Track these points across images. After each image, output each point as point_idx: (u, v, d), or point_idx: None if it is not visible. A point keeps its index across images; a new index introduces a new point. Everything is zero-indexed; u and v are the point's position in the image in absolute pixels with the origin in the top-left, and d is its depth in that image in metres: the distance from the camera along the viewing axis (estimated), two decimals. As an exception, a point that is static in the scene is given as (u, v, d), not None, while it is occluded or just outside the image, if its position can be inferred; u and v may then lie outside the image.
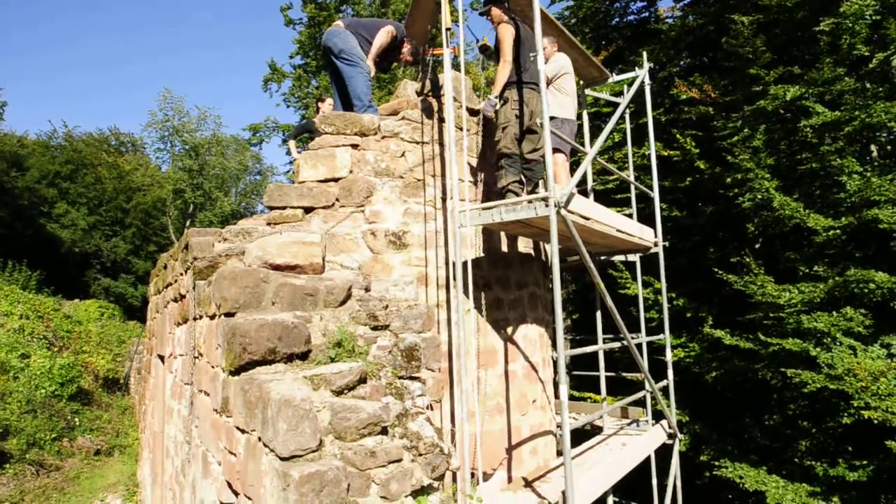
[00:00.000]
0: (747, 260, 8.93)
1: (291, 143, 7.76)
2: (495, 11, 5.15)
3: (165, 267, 6.24)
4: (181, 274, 4.79)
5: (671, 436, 6.96)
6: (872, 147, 9.00)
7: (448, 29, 4.73)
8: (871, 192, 7.73)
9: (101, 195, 28.95)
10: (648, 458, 6.84)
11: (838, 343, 7.80)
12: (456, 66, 5.04)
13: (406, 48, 5.83)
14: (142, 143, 35.18)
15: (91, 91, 75.72)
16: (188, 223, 29.65)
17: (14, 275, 17.22)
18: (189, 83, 78.80)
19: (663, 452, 7.20)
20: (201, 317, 3.90)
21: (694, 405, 9.77)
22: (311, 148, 4.79)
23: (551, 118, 4.79)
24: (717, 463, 8.97)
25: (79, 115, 71.44)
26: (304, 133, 7.37)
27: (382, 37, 5.55)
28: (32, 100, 66.53)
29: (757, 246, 9.87)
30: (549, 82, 5.48)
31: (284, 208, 4.49)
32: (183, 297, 4.72)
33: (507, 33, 4.94)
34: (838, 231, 8.08)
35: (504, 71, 4.92)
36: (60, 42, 70.98)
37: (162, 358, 6.60)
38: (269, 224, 4.44)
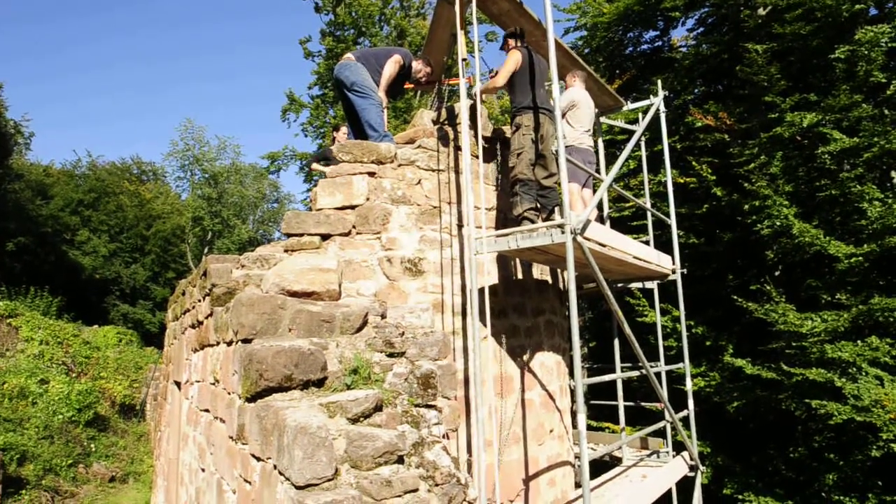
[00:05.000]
0: (767, 288, 8.80)
1: (315, 165, 7.88)
2: (510, 42, 5.30)
3: (184, 293, 6.30)
4: (199, 300, 4.83)
5: (693, 468, 6.78)
6: (893, 173, 8.90)
7: (464, 59, 4.81)
8: (893, 219, 7.61)
9: (122, 223, 29.51)
10: (670, 491, 6.65)
11: (864, 373, 7.59)
12: (472, 96, 5.11)
13: (421, 72, 5.91)
14: (163, 172, 35.97)
15: (113, 117, 78.18)
16: (206, 250, 29.98)
17: (36, 301, 17.48)
18: (208, 112, 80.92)
19: (685, 485, 7.00)
20: (218, 343, 3.92)
21: (715, 436, 9.52)
22: (329, 176, 4.85)
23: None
24: (740, 496, 8.70)
25: (101, 141, 73.62)
26: (322, 161, 7.48)
27: (390, 67, 5.63)
28: (57, 124, 68.48)
29: (777, 273, 9.72)
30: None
31: (302, 235, 4.53)
32: (201, 323, 4.75)
33: (511, 59, 5.13)
34: (860, 258, 7.94)
35: (492, 84, 5.19)
36: (87, 68, 73.66)
37: (178, 384, 6.62)
38: (286, 251, 4.48)
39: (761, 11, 9.97)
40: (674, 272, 6.76)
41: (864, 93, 8.50)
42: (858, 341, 7.83)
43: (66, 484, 10.27)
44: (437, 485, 2.66)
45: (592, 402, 8.80)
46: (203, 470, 4.51)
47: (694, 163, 10.25)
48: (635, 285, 7.66)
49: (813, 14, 9.02)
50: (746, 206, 9.23)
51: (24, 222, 23.63)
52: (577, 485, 6.02)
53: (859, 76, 8.36)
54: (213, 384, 4.11)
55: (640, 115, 7.87)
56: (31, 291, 17.66)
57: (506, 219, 5.49)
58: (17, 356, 12.97)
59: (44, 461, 10.19)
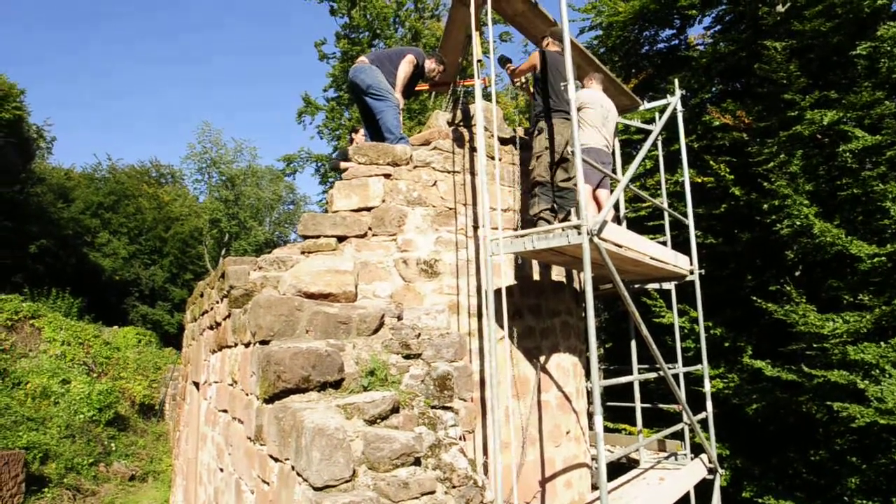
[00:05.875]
0: (787, 288, 8.67)
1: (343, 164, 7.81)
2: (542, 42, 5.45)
3: (202, 295, 6.37)
4: (217, 302, 4.88)
5: (711, 470, 6.70)
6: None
7: (479, 60, 4.81)
8: (918, 218, 7.47)
9: (142, 225, 29.89)
10: (688, 494, 6.59)
11: (888, 375, 7.44)
12: (487, 97, 5.11)
13: (434, 71, 5.92)
14: (181, 175, 36.42)
15: (132, 119, 79.33)
16: (223, 252, 30.29)
17: (58, 302, 17.76)
18: (224, 114, 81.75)
19: (703, 488, 6.92)
20: (236, 344, 3.96)
21: (734, 439, 9.40)
22: (345, 178, 4.88)
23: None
24: (760, 500, 8.57)
25: (113, 146, 74.78)
26: (344, 160, 7.47)
27: (405, 68, 5.66)
28: (67, 126, 69.67)
29: (797, 273, 9.57)
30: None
31: (318, 237, 4.56)
32: (219, 324, 4.80)
33: (530, 58, 5.38)
34: (883, 258, 7.79)
35: (515, 71, 5.80)
36: (95, 72, 74.91)
37: (197, 385, 6.69)
38: (303, 253, 4.50)
39: (780, 8, 9.83)
40: (691, 273, 6.69)
41: (887, 90, 8.34)
42: (882, 343, 7.68)
43: (87, 482, 10.43)
44: (454, 487, 2.66)
45: (609, 403, 8.72)
46: (221, 470, 4.56)
47: (712, 162, 10.13)
48: (652, 286, 7.59)
49: (833, 10, 8.88)
50: (765, 206, 9.11)
51: (46, 225, 24.02)
52: (594, 487, 5.99)
53: (881, 73, 8.21)
54: (232, 385, 4.15)
55: (657, 115, 7.81)
56: (53, 293, 17.95)
57: (522, 220, 5.48)
58: (39, 356, 13.20)
59: (65, 460, 10.36)
